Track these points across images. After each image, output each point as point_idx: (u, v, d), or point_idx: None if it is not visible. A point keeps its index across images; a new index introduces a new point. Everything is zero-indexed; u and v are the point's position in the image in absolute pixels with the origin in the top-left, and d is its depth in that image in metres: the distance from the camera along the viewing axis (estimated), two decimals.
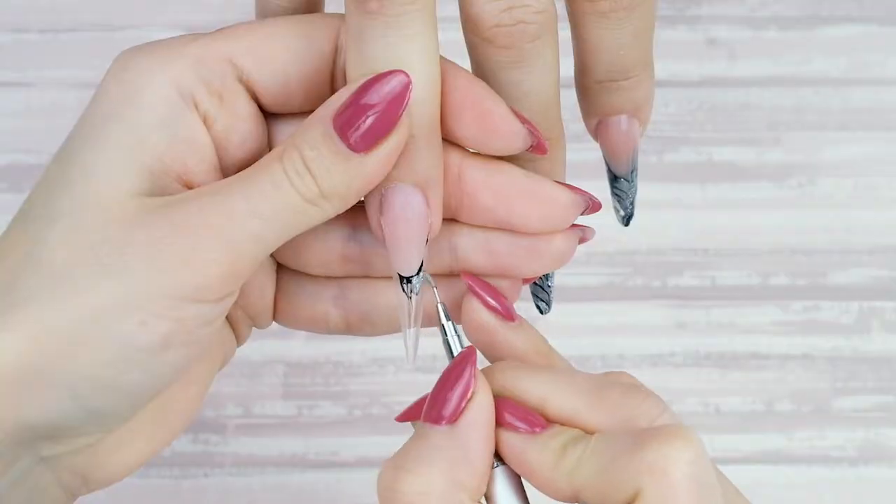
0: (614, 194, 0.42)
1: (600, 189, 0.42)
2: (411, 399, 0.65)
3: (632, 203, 0.42)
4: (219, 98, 0.37)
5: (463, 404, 0.35)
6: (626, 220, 0.42)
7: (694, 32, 0.71)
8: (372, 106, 0.34)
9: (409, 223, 0.37)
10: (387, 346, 0.65)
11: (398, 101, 0.35)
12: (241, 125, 0.38)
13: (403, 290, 0.38)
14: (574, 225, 0.39)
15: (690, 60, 0.71)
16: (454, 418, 0.35)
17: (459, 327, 0.39)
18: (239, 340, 0.42)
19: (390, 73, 0.35)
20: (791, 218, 0.68)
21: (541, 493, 0.36)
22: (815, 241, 0.67)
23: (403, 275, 0.38)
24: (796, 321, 0.66)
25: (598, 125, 0.40)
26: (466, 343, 0.38)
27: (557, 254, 0.39)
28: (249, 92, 0.38)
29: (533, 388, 0.37)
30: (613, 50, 0.38)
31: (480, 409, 0.36)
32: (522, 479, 0.37)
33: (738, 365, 0.66)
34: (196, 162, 0.37)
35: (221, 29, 0.38)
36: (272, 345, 0.66)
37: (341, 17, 0.38)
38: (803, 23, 0.71)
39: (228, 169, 0.38)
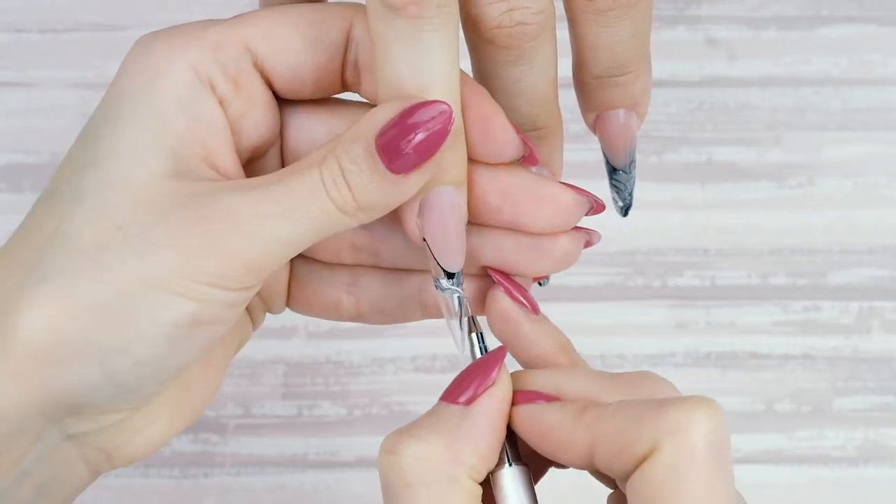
0: (613, 186, 0.42)
1: (600, 188, 0.42)
2: (411, 399, 0.65)
3: (630, 194, 0.42)
4: (234, 83, 0.38)
5: (481, 390, 0.36)
6: (625, 210, 0.42)
7: (694, 32, 0.71)
8: (416, 132, 0.35)
9: (452, 223, 0.37)
10: (386, 345, 0.65)
11: (441, 132, 0.35)
12: (255, 111, 0.38)
13: (451, 286, 0.39)
14: (580, 227, 0.40)
15: (690, 60, 0.71)
16: (471, 401, 0.36)
17: (481, 335, 0.39)
18: (254, 324, 0.43)
19: (435, 102, 0.35)
20: (791, 218, 0.68)
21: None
22: (815, 241, 0.67)
23: (452, 271, 0.38)
24: (796, 321, 0.66)
25: (596, 119, 0.41)
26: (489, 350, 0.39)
27: (563, 254, 0.39)
28: (264, 78, 0.38)
29: (547, 382, 0.37)
30: (611, 47, 0.38)
31: (496, 397, 0.36)
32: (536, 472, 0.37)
33: (737, 365, 0.66)
34: (217, 144, 0.37)
35: (238, 15, 0.38)
36: (272, 344, 0.66)
37: (355, 7, 0.38)
38: (803, 23, 0.71)
39: (241, 154, 0.39)
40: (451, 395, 0.36)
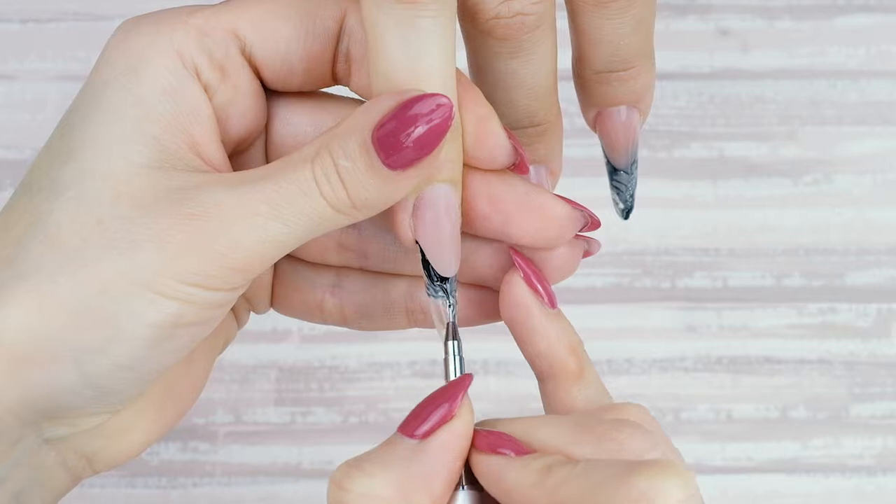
0: (613, 187, 0.42)
1: (607, 185, 0.42)
2: (410, 406, 0.64)
3: (631, 196, 0.42)
4: (220, 70, 0.38)
5: (439, 424, 0.36)
6: (626, 213, 0.42)
7: (705, 22, 0.71)
8: (415, 125, 0.35)
9: (447, 224, 0.37)
10: (383, 350, 0.65)
11: (442, 126, 0.35)
12: (241, 100, 0.38)
13: (443, 292, 0.38)
14: (579, 235, 0.39)
15: (701, 52, 0.70)
16: (427, 435, 0.36)
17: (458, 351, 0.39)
18: (239, 324, 0.43)
19: (434, 95, 0.35)
20: (806, 216, 0.67)
21: None
22: (832, 240, 0.67)
23: (446, 275, 0.38)
24: (812, 324, 0.66)
25: (596, 116, 0.41)
26: (465, 369, 0.38)
27: (559, 265, 0.39)
28: (252, 66, 0.38)
29: (517, 429, 0.36)
30: (613, 40, 0.38)
31: (454, 433, 0.36)
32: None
33: (750, 370, 0.65)
34: (202, 132, 0.37)
35: (226, 1, 0.38)
36: (264, 348, 0.65)
37: None
38: (819, 12, 0.70)
39: (225, 146, 0.38)
40: (408, 426, 0.36)
